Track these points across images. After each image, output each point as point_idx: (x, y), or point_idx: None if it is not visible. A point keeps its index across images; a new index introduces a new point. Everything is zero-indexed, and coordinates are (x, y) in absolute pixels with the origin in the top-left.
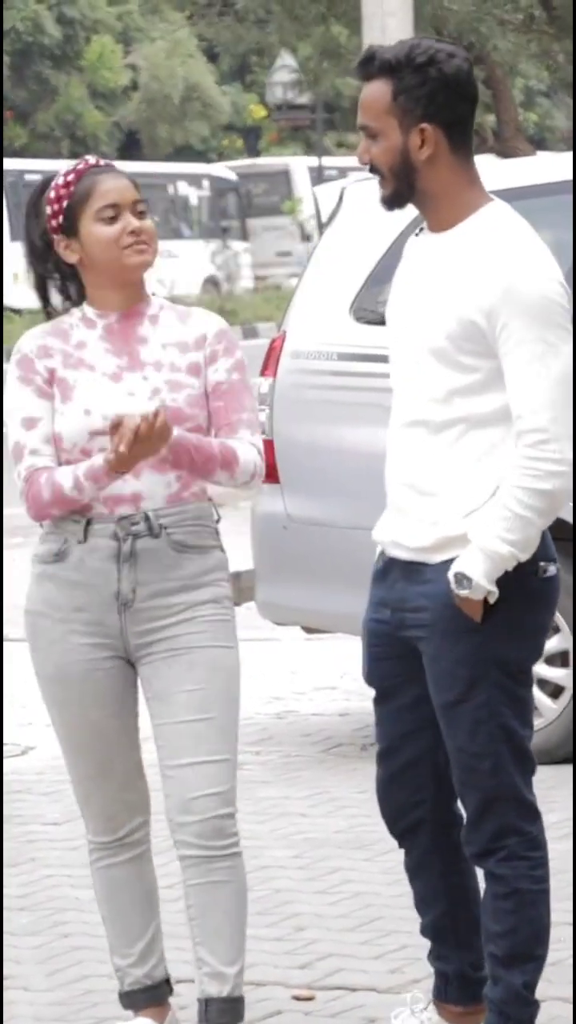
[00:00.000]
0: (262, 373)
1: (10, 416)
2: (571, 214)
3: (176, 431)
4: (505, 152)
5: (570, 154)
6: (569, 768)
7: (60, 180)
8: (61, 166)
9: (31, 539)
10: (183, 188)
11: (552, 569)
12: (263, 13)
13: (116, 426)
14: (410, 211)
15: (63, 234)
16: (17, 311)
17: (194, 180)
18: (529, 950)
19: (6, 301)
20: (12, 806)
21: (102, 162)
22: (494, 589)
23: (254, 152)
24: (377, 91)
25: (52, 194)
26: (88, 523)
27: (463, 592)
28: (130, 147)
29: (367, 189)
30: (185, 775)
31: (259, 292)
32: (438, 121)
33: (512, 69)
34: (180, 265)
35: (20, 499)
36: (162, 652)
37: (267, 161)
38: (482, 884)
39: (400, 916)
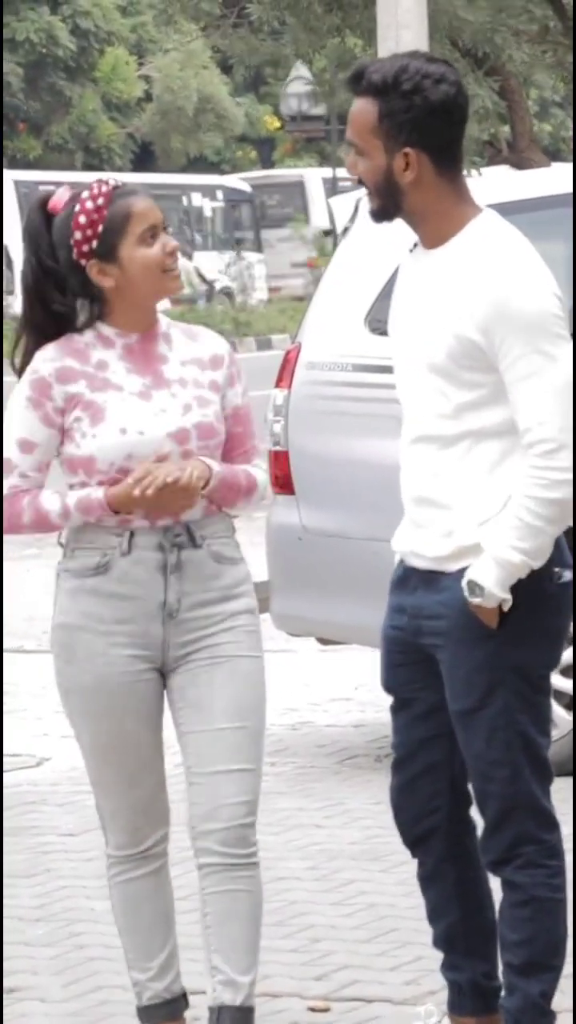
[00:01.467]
0: (277, 384)
1: (8, 430)
2: None
3: (216, 468)
4: (519, 163)
5: None
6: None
7: (88, 204)
8: (75, 178)
9: (46, 550)
10: (197, 199)
11: (568, 575)
12: (278, 25)
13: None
14: None
15: (98, 259)
16: None
17: (208, 191)
18: (546, 959)
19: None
20: (27, 817)
21: (120, 182)
22: (507, 597)
23: (268, 163)
24: (364, 110)
25: (82, 219)
26: (131, 535)
27: (476, 600)
28: (144, 158)
29: None
30: (216, 782)
31: (273, 304)
32: (422, 146)
33: (527, 80)
34: None
35: None
36: (202, 660)
37: (281, 172)
38: (497, 894)
39: (415, 928)
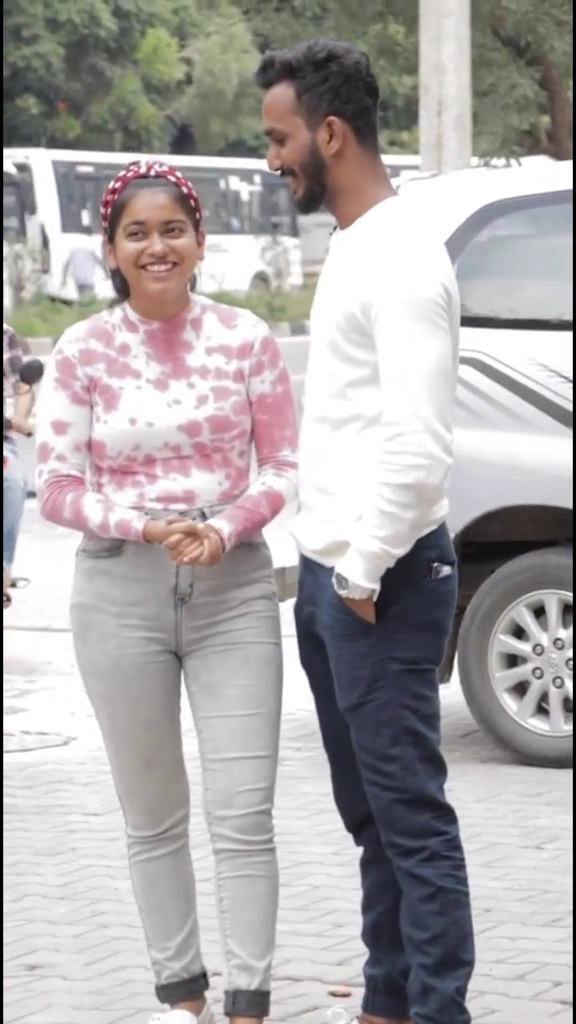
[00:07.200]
0: None
1: (41, 415)
2: None
3: (228, 529)
4: (559, 154)
5: None
6: None
7: (111, 184)
8: (112, 159)
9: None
10: (234, 183)
11: (446, 570)
12: (320, 10)
13: (189, 533)
14: (465, 210)
15: (107, 238)
16: (67, 302)
17: (246, 175)
18: (458, 954)
19: (57, 292)
20: (53, 796)
21: (154, 169)
22: (374, 587)
23: None
24: (281, 94)
25: (104, 197)
26: None
27: (343, 592)
28: (183, 141)
29: (420, 187)
30: (231, 769)
31: (308, 289)
32: (343, 114)
33: (568, 70)
34: (229, 260)
35: (38, 495)
36: (216, 646)
37: None
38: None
39: None
